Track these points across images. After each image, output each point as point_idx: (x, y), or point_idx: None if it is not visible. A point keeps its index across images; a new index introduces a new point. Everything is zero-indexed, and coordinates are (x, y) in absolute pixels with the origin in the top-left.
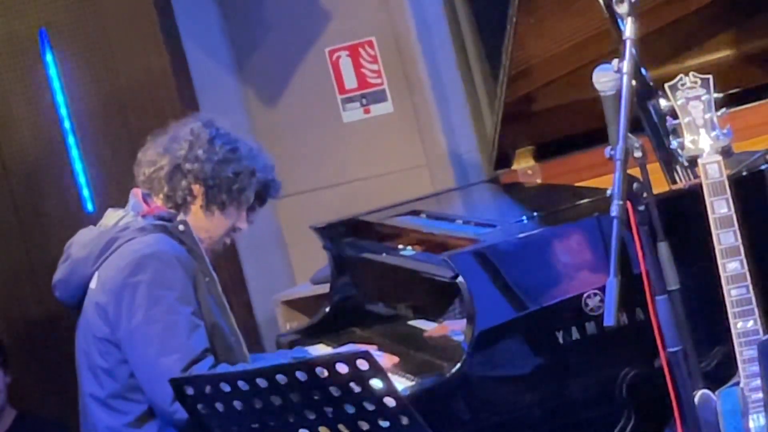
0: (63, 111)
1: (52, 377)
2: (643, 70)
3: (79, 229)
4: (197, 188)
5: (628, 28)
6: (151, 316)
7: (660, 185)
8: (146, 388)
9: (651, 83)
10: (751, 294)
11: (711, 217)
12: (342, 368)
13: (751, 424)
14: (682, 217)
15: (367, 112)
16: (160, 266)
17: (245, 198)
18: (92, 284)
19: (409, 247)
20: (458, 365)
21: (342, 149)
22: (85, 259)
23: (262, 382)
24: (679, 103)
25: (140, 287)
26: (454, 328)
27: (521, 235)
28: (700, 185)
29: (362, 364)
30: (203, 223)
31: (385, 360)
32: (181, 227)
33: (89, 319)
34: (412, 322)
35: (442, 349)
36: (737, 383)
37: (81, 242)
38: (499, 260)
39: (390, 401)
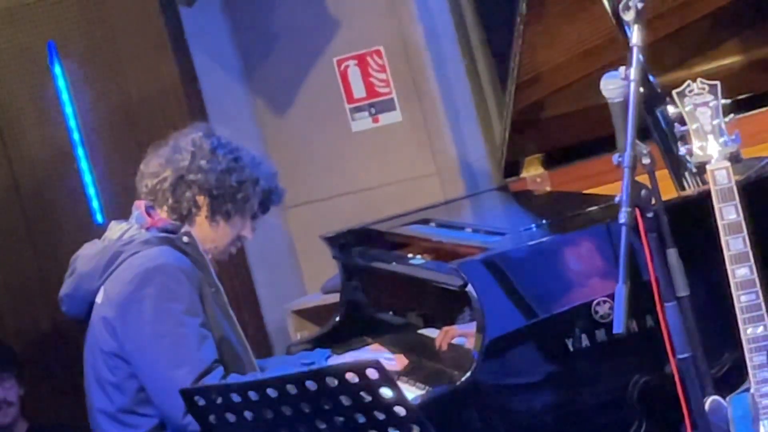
0: (72, 122)
1: (63, 389)
2: (650, 77)
3: (89, 241)
4: (202, 199)
5: (635, 36)
6: (159, 329)
7: (668, 192)
8: (158, 402)
9: (659, 90)
10: (761, 300)
11: (720, 223)
12: (352, 378)
13: (762, 430)
14: (690, 223)
15: (376, 121)
16: (166, 279)
17: (249, 207)
18: (98, 299)
19: (419, 256)
20: (468, 373)
21: (351, 158)
22: (90, 274)
23: (272, 392)
24: (687, 109)
25: (147, 301)
26: (464, 333)
27: (531, 243)
28: (709, 192)
29: (372, 374)
30: (209, 234)
31: (397, 363)
32: (185, 239)
33: (96, 334)
34: (422, 331)
35: (453, 357)
36: (748, 389)
37: (86, 256)
38: (508, 268)
39: (400, 410)
